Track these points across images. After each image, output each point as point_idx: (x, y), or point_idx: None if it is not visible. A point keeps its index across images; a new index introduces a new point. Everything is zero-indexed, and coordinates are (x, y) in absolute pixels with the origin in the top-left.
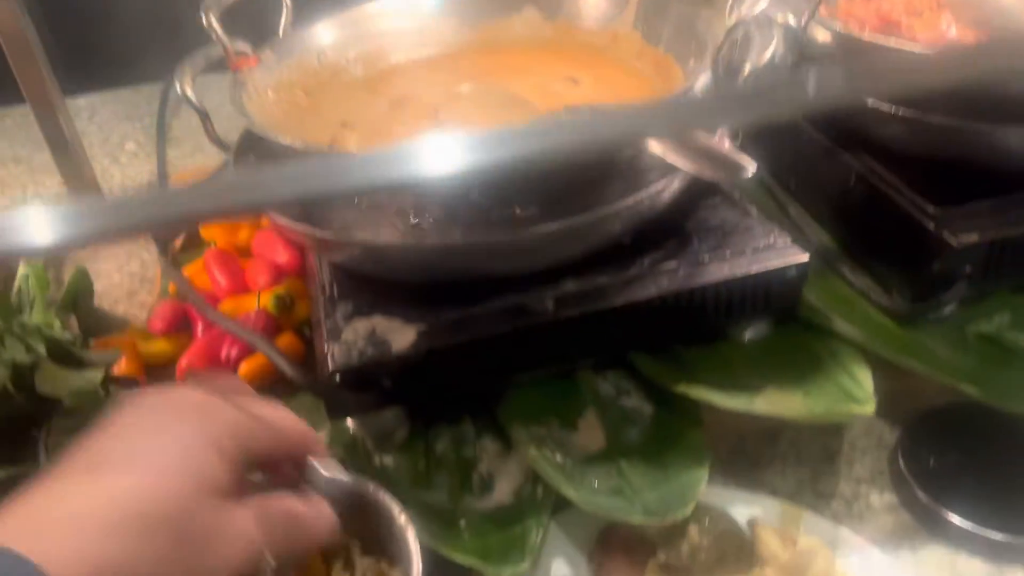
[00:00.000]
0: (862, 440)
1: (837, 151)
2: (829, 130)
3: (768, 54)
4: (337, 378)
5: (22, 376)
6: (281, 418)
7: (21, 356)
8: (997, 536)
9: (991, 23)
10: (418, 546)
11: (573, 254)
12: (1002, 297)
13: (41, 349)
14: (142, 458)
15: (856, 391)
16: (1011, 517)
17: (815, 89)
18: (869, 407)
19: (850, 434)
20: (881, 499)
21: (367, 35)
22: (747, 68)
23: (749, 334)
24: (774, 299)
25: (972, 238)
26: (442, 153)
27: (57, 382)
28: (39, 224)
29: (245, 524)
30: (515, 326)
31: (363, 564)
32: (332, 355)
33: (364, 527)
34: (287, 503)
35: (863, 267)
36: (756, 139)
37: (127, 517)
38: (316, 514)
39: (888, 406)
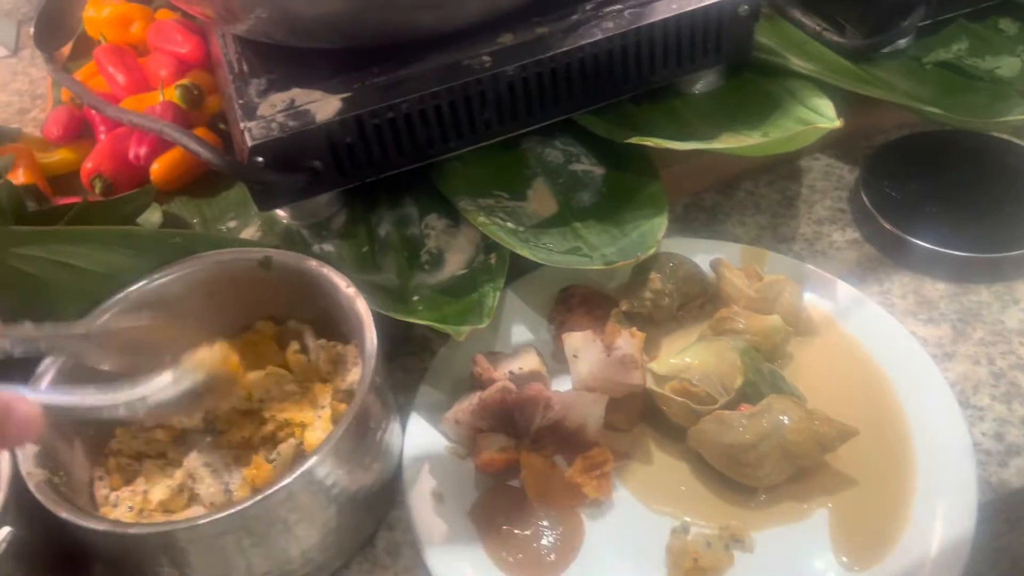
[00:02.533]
0: (820, 182)
1: None
2: None
3: None
4: (260, 159)
5: None
6: None
7: None
8: (961, 254)
9: None
10: (370, 314)
11: (507, 3)
12: (960, 26)
13: None
14: None
15: (817, 119)
16: (972, 236)
17: None
18: (834, 122)
19: (808, 177)
20: (844, 235)
21: None
22: None
23: (700, 86)
24: (726, 39)
25: None
26: None
27: None
28: None
29: None
30: (450, 86)
31: (316, 346)
32: (249, 132)
33: (312, 308)
34: None
35: (815, 8)
36: None
37: None
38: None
39: (845, 146)
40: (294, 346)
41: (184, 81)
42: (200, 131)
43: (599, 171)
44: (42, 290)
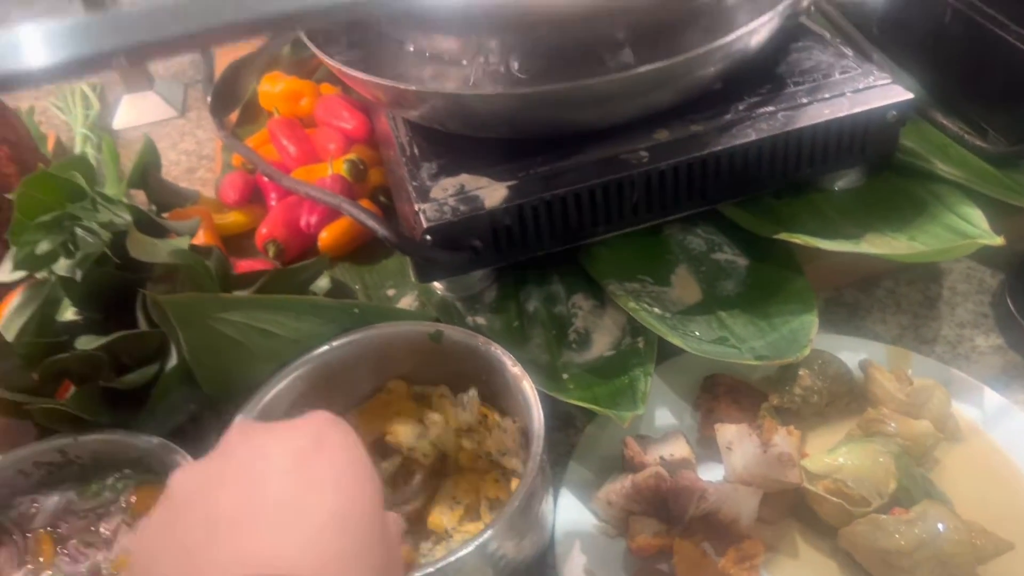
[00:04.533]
0: (962, 285)
1: None
2: None
3: None
4: (429, 237)
5: (116, 243)
6: None
7: (117, 220)
8: None
9: None
10: (536, 394)
11: (664, 102)
12: None
13: (128, 216)
14: (338, 477)
15: (969, 229)
16: None
17: None
18: (995, 238)
19: (949, 279)
20: (987, 341)
21: None
22: None
23: (842, 183)
24: (873, 142)
25: None
26: None
27: (148, 249)
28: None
29: (395, 525)
30: (608, 178)
31: (469, 404)
32: (423, 214)
33: (474, 382)
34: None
35: (956, 112)
36: None
37: (345, 522)
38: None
39: (986, 251)
40: (444, 406)
41: (351, 156)
42: (363, 203)
43: (742, 262)
44: (242, 353)
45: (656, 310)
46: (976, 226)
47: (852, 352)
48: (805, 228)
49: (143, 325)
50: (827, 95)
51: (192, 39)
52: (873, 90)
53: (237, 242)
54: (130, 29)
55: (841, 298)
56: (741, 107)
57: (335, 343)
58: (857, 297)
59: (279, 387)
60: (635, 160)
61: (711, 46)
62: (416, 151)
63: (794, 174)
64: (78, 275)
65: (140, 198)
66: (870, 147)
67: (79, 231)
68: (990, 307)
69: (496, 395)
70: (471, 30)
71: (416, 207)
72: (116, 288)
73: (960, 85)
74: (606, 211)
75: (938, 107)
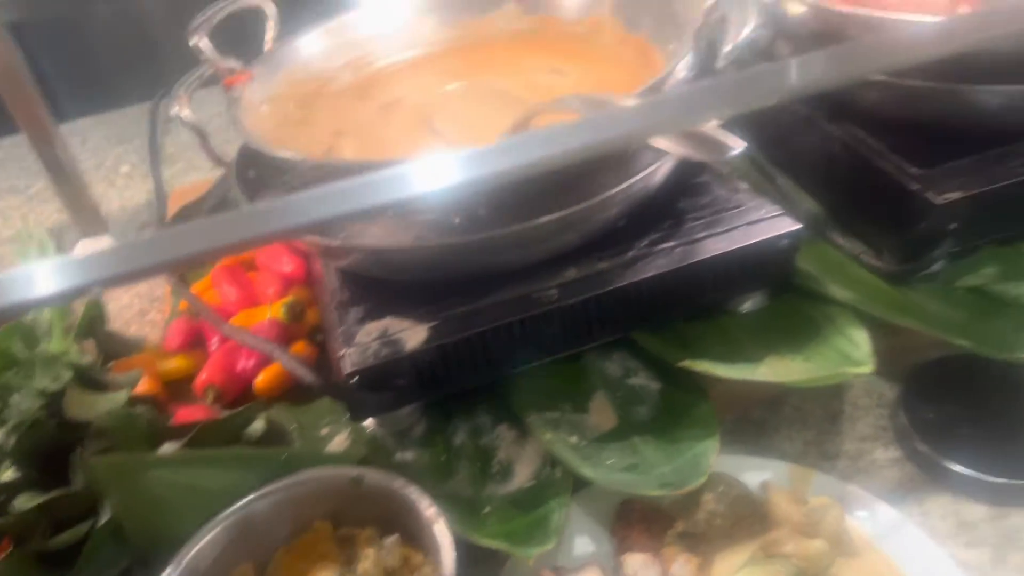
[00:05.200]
0: (863, 399)
1: (820, 121)
2: (811, 100)
3: (746, 32)
4: (354, 381)
5: (52, 403)
6: None
7: (50, 384)
8: (998, 480)
9: None
10: (448, 537)
11: (572, 242)
12: (989, 251)
13: (67, 375)
14: None
15: (854, 352)
16: (1010, 461)
17: (798, 75)
18: (867, 367)
19: (851, 394)
20: (886, 453)
21: (352, 42)
22: (727, 47)
23: (747, 306)
24: (769, 269)
25: (954, 196)
26: (445, 169)
27: (85, 406)
28: (64, 274)
29: None
30: (521, 316)
31: (392, 544)
32: (348, 359)
33: (394, 523)
34: None
35: (853, 232)
36: (741, 114)
37: None
38: None
39: (886, 364)
40: (368, 551)
41: (288, 299)
42: (300, 343)
43: (655, 386)
44: (172, 508)
45: (573, 439)
46: (860, 349)
47: (757, 472)
48: (711, 352)
49: (79, 483)
50: (721, 229)
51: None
52: (764, 222)
53: (180, 387)
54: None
55: (750, 416)
56: (643, 243)
57: (259, 493)
58: (765, 415)
59: (203, 541)
60: (546, 298)
61: (611, 192)
62: (345, 296)
63: (698, 301)
64: (12, 440)
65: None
66: (767, 273)
67: (16, 397)
68: (888, 420)
69: (415, 536)
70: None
71: (341, 352)
72: (53, 447)
73: (855, 208)
74: (523, 346)
75: (837, 227)
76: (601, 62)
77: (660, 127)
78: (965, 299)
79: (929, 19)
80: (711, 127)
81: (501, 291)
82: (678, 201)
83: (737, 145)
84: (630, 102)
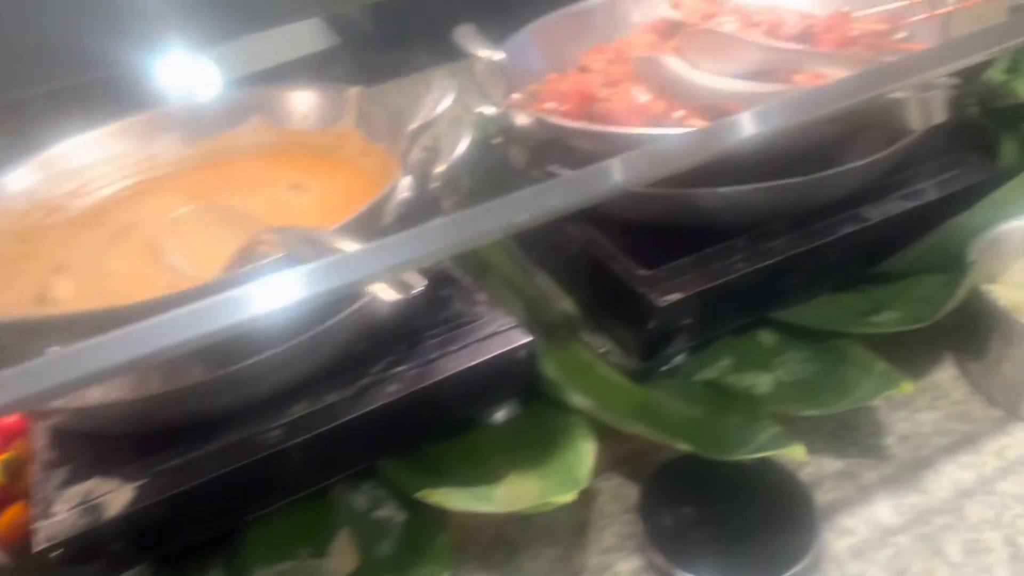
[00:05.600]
0: (610, 505)
1: (561, 221)
2: None
3: (459, 151)
4: (54, 556)
5: None
6: None
7: None
8: None
9: (675, 91)
10: None
11: (299, 376)
12: (725, 341)
13: None
14: None
15: (577, 470)
16: (738, 564)
17: (526, 207)
18: (570, 494)
19: (599, 500)
20: (628, 564)
21: (84, 166)
22: (441, 166)
23: (498, 417)
24: (509, 382)
25: (675, 296)
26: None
27: None
28: None
29: None
30: (241, 463)
31: None
32: (41, 533)
33: None
34: None
35: (603, 330)
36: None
37: None
38: None
39: (633, 464)
40: None
41: (5, 456)
42: (18, 506)
43: (400, 517)
44: None
45: None
46: (583, 466)
47: None
48: (457, 474)
49: None
50: (455, 347)
51: None
52: (497, 336)
53: None
54: None
55: (502, 536)
56: (377, 369)
57: None
58: (515, 533)
59: None
60: (268, 440)
61: (324, 325)
62: (52, 456)
63: (443, 421)
64: None
65: None
66: (508, 385)
67: None
68: (633, 526)
69: None
70: None
71: (34, 525)
72: None
73: (602, 307)
74: (249, 493)
75: (589, 326)
76: (345, 174)
77: (377, 276)
78: (702, 394)
79: (645, 132)
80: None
81: (220, 437)
82: (418, 318)
83: (418, 284)
84: (346, 245)
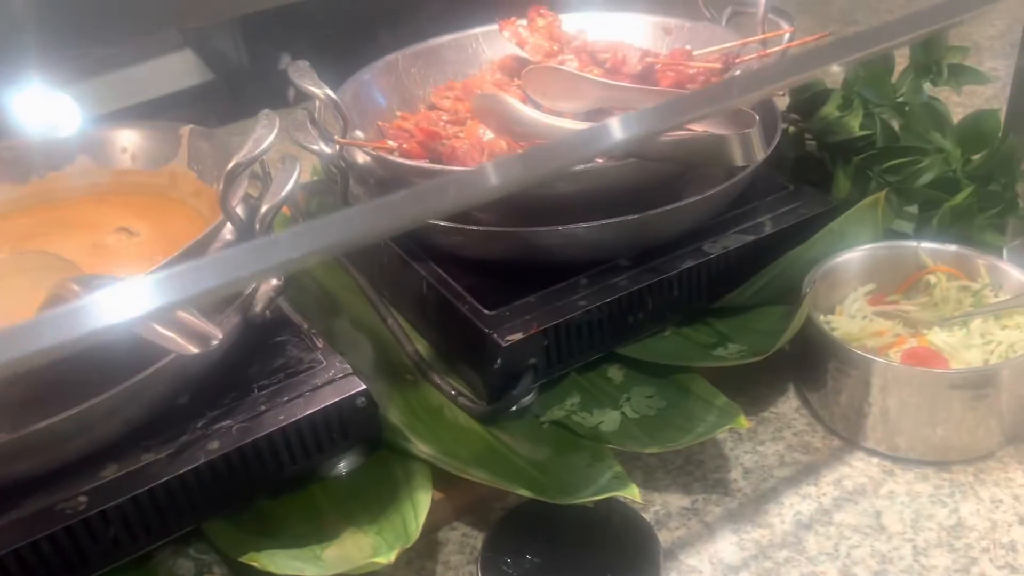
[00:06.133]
0: (455, 556)
1: (410, 260)
2: (399, 240)
3: (287, 189)
4: None
5: None
6: None
7: None
8: None
9: (513, 129)
10: None
11: (114, 433)
12: (573, 379)
13: None
14: None
15: (410, 524)
16: None
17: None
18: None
19: (444, 552)
20: None
21: None
22: (264, 207)
23: (343, 465)
24: (346, 432)
25: (518, 336)
26: None
27: None
28: None
29: None
30: (39, 537)
31: None
32: None
33: None
34: None
35: (454, 371)
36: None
37: None
38: None
39: (481, 511)
40: None
41: None
42: None
43: None
44: None
45: None
46: (416, 520)
47: None
48: (290, 533)
49: None
50: (286, 397)
51: None
52: (331, 385)
53: None
54: None
55: None
56: (200, 424)
57: None
58: None
59: None
60: (72, 509)
61: (123, 386)
62: None
63: (275, 477)
64: None
65: None
66: (346, 435)
67: None
68: None
69: None
70: None
71: None
72: None
73: (451, 348)
74: (58, 565)
75: (441, 367)
76: (178, 215)
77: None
78: (550, 434)
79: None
80: (190, 318)
81: (17, 506)
82: (251, 366)
83: (214, 335)
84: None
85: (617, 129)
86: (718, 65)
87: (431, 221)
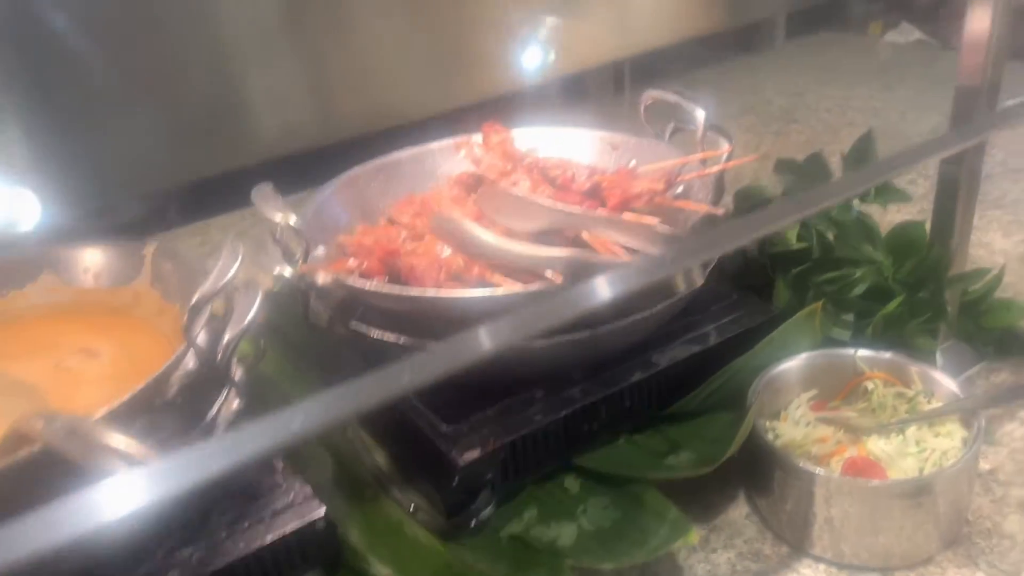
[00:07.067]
0: None
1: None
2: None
3: (250, 316)
4: None
5: None
6: None
7: None
8: None
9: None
10: None
11: (58, 569)
12: (530, 491)
13: None
14: None
15: None
16: None
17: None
18: None
19: None
20: None
21: None
22: (226, 337)
23: None
24: (305, 557)
25: (476, 453)
26: None
27: None
28: None
29: None
30: None
31: None
32: None
33: None
34: None
35: (413, 487)
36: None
37: None
38: None
39: None
40: None
41: None
42: None
43: None
44: None
45: None
46: None
47: None
48: None
49: None
50: (247, 523)
51: None
52: (290, 510)
53: None
54: None
55: None
56: (160, 554)
57: None
58: None
59: None
60: None
61: None
62: None
63: None
64: None
65: None
66: (308, 559)
67: None
68: None
69: None
70: None
71: None
72: None
73: (411, 463)
74: None
75: (400, 481)
76: (139, 335)
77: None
78: (508, 549)
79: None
80: (119, 438)
81: None
82: (206, 493)
83: (145, 457)
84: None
85: (565, 306)
86: (660, 185)
87: (389, 339)
